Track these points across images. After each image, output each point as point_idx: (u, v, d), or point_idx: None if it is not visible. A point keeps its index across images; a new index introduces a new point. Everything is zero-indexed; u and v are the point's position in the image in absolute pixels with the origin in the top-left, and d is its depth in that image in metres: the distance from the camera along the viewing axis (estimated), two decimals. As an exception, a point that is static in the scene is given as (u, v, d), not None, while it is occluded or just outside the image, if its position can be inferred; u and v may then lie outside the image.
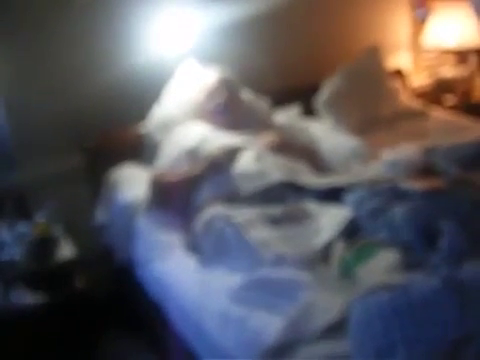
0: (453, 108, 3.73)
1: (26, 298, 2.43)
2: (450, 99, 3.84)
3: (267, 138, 2.69)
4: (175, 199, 2.51)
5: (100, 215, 2.87)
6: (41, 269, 2.53)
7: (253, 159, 2.51)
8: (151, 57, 3.08)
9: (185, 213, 2.45)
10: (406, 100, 3.62)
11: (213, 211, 2.28)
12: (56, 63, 2.92)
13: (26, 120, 2.88)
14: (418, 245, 1.80)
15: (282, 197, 2.34)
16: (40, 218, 2.62)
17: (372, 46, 3.55)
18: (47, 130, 2.90)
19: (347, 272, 1.81)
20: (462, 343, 1.41)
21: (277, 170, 2.42)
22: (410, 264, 1.75)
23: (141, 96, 2.98)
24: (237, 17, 3.20)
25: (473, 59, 3.98)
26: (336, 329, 1.62)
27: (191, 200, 2.46)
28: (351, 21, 3.73)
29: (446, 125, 3.33)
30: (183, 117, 2.91)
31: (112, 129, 2.95)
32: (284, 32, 3.44)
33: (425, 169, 2.40)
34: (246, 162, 2.50)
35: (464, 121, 3.37)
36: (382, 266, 1.75)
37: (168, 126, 2.90)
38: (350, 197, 2.16)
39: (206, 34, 3.18)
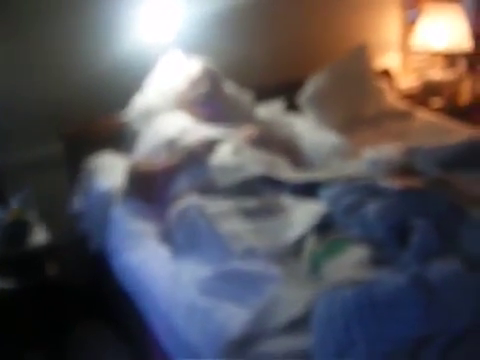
0: (439, 110, 3.72)
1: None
2: (437, 101, 3.83)
3: (247, 131, 2.67)
4: (151, 188, 2.49)
5: (77, 202, 2.83)
6: (13, 254, 2.49)
7: (231, 152, 2.49)
8: (135, 46, 3.04)
9: (161, 203, 2.43)
10: (392, 100, 3.60)
11: (187, 201, 2.27)
12: (40, 51, 2.89)
13: (7, 105, 2.84)
14: (389, 242, 1.79)
15: (258, 190, 2.32)
16: (15, 203, 2.59)
17: (359, 45, 3.52)
18: (28, 116, 2.86)
19: (315, 266, 1.80)
20: (424, 342, 1.39)
21: (255, 163, 2.40)
22: (380, 261, 1.74)
23: (124, 85, 2.95)
24: (223, 8, 3.17)
25: (462, 63, 3.98)
26: (300, 324, 1.60)
27: (167, 190, 2.44)
28: (341, 19, 3.71)
29: (431, 127, 3.32)
30: (165, 107, 2.88)
31: (93, 117, 2.92)
32: (271, 26, 3.42)
33: (405, 169, 2.39)
34: (224, 154, 2.48)
35: (449, 124, 3.36)
36: (351, 262, 1.73)
37: (149, 115, 2.87)
38: (326, 193, 2.15)
39: (191, 25, 3.15)
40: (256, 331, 1.64)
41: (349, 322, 1.45)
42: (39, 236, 2.60)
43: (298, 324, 1.61)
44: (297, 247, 1.97)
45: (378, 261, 1.74)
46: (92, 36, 2.97)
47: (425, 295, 1.45)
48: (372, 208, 1.90)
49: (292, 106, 3.26)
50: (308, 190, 2.26)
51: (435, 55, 3.92)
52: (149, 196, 2.48)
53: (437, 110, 3.73)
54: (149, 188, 2.49)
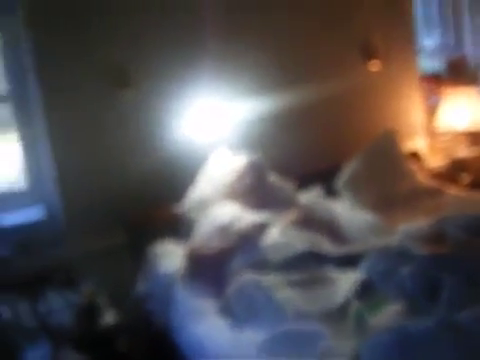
0: (468, 186, 3.96)
1: (73, 359, 2.68)
2: (465, 178, 4.08)
3: (292, 215, 2.98)
4: (209, 269, 2.79)
5: (141, 286, 3.15)
6: (87, 333, 2.78)
7: (279, 233, 2.80)
8: (189, 144, 3.47)
9: (218, 282, 2.72)
10: (422, 180, 3.86)
11: (244, 277, 2.56)
12: (105, 147, 3.34)
13: (77, 199, 3.27)
14: (421, 297, 2.04)
15: (305, 265, 2.60)
16: (87, 288, 2.92)
17: (388, 130, 3.85)
18: (95, 208, 3.28)
19: (360, 322, 2.05)
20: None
21: (300, 241, 2.70)
22: (416, 313, 1.98)
23: (179, 179, 3.33)
24: (265, 110, 3.59)
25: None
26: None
27: (223, 270, 2.74)
28: (370, 109, 4.08)
29: (460, 201, 3.52)
30: (216, 197, 3.22)
31: (152, 208, 3.28)
32: (307, 121, 3.80)
33: (435, 237, 2.64)
34: (273, 235, 2.79)
35: (478, 196, 3.59)
36: (390, 315, 1.99)
37: (203, 205, 3.21)
38: (365, 262, 2.42)
39: (238, 124, 3.58)
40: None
41: (389, 357, 1.70)
42: (109, 317, 2.90)
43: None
44: (342, 310, 2.24)
45: (413, 314, 1.99)
46: (151, 136, 3.41)
47: (453, 333, 1.69)
48: (405, 270, 2.16)
49: (330, 192, 3.54)
50: (349, 263, 2.55)
51: (459, 135, 4.22)
52: (206, 276, 2.78)
53: (466, 186, 3.98)
54: (206, 269, 2.79)
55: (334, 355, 1.92)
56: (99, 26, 3.30)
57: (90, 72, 3.29)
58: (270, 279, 2.46)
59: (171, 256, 3.08)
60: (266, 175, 3.33)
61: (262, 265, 2.64)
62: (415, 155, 4.14)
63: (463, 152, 4.20)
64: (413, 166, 3.94)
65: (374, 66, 4.04)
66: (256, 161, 3.31)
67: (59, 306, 2.88)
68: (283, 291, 2.37)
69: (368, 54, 4.04)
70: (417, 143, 4.27)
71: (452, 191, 3.73)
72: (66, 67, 3.24)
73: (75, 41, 3.25)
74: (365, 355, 1.77)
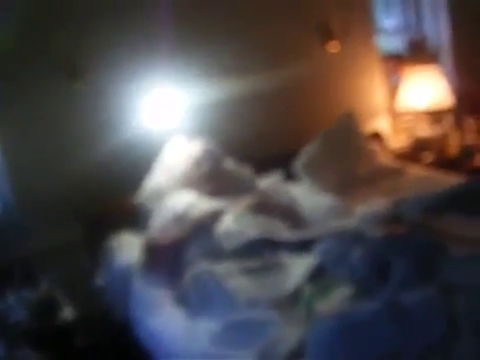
0: (430, 165, 3.96)
1: (30, 357, 2.62)
2: (427, 156, 4.08)
3: (246, 201, 2.94)
4: (166, 259, 2.75)
5: (100, 279, 3.10)
6: (44, 330, 2.73)
7: (233, 220, 2.76)
8: (142, 134, 3.40)
9: (175, 271, 2.68)
10: (384, 160, 3.85)
11: (199, 267, 2.52)
12: (57, 141, 3.26)
13: (31, 193, 3.20)
14: (370, 280, 2.01)
15: (259, 251, 2.57)
16: (44, 284, 2.86)
17: (346, 112, 3.82)
18: (50, 203, 3.21)
19: (309, 308, 2.02)
20: (398, 356, 1.61)
21: (254, 228, 2.67)
22: (363, 296, 1.96)
23: (134, 169, 3.27)
24: (220, 95, 3.53)
25: (448, 118, 4.26)
26: (298, 356, 1.83)
27: (180, 259, 2.70)
28: (330, 91, 4.03)
29: (422, 180, 3.52)
30: (172, 186, 3.17)
31: (108, 200, 3.23)
32: (266, 106, 3.75)
33: (392, 219, 2.62)
34: (227, 222, 2.75)
35: (439, 175, 3.58)
36: (337, 300, 1.96)
37: (159, 195, 3.16)
38: (318, 247, 2.40)
39: (192, 111, 3.51)
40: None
41: (333, 344, 1.68)
42: (67, 313, 2.85)
43: (296, 356, 1.83)
44: (294, 296, 2.21)
45: (361, 296, 1.96)
46: (103, 126, 3.34)
47: (396, 315, 1.67)
48: (356, 253, 2.14)
49: (290, 176, 3.52)
50: (303, 247, 2.52)
51: (420, 114, 4.21)
52: (164, 266, 2.74)
53: (428, 165, 3.97)
54: (163, 259, 2.75)
55: (282, 341, 1.90)
56: (48, 17, 3.21)
57: (40, 64, 3.21)
58: (223, 267, 2.43)
59: (128, 247, 3.04)
60: (222, 162, 3.28)
61: (216, 253, 2.60)
62: (377, 135, 4.13)
63: (425, 131, 4.19)
64: (375, 147, 3.93)
65: (333, 47, 4.00)
66: (212, 148, 3.25)
67: (16, 303, 2.82)
68: (235, 279, 2.34)
69: (326, 35, 4.00)
70: (379, 123, 4.25)
71: (413, 170, 3.73)
72: (15, 59, 3.15)
73: (23, 32, 3.15)
74: (309, 343, 1.75)
